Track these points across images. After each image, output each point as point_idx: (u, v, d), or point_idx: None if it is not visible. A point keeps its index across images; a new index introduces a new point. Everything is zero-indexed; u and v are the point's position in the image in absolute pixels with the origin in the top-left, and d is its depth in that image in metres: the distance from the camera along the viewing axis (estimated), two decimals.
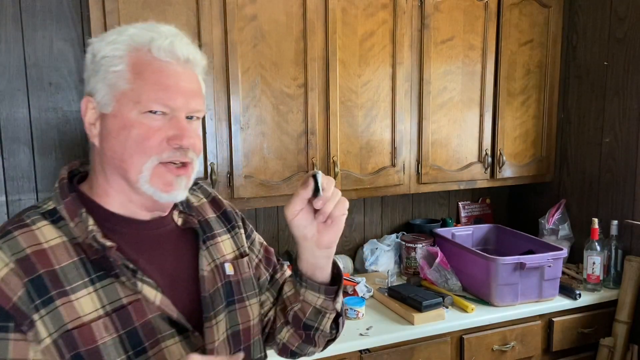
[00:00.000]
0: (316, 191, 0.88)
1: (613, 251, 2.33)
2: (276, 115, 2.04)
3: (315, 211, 0.91)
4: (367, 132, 2.22)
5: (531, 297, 2.19)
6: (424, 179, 2.36)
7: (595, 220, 2.32)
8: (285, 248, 2.49)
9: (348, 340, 1.90)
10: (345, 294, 2.21)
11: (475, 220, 2.88)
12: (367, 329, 1.97)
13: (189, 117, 0.88)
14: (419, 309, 2.02)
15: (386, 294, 2.20)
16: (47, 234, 0.83)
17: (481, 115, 2.44)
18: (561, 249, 2.22)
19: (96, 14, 1.76)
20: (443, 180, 2.42)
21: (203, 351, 0.88)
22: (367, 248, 2.57)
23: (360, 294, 2.20)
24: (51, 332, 0.78)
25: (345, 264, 2.49)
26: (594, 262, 2.30)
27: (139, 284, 0.84)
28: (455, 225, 2.76)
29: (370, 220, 2.69)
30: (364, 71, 2.17)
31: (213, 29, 1.90)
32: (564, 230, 2.59)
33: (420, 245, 2.45)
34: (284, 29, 2.01)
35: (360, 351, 1.91)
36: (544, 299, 2.21)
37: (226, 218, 1.06)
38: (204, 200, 1.06)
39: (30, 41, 1.97)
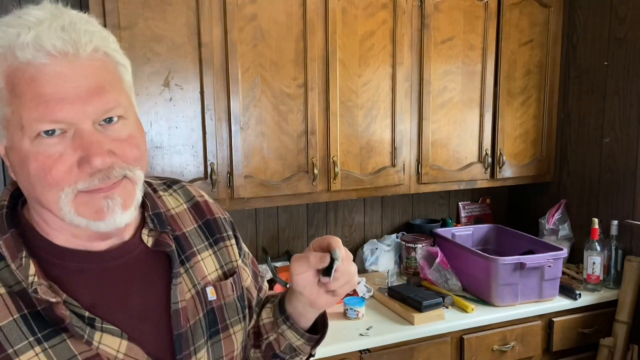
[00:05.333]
0: (328, 271, 0.80)
1: (613, 251, 2.33)
2: (276, 115, 2.04)
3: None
4: (367, 132, 2.22)
5: (531, 297, 2.19)
6: (424, 179, 2.36)
7: (596, 220, 2.31)
8: (285, 248, 2.48)
9: (348, 340, 1.90)
10: (346, 294, 2.21)
11: (475, 220, 2.88)
12: (367, 329, 1.96)
13: (107, 121, 0.67)
14: (419, 309, 2.02)
15: (386, 294, 2.20)
16: None
17: (481, 115, 2.44)
18: (561, 249, 2.22)
19: (96, 13, 1.75)
20: (443, 180, 2.42)
21: None
22: (367, 248, 2.57)
23: (360, 294, 2.20)
24: None
25: None
26: (594, 262, 2.29)
27: (97, 335, 0.69)
28: (455, 226, 2.76)
29: (370, 220, 2.69)
30: (364, 71, 2.17)
31: (213, 29, 1.90)
32: (564, 230, 2.59)
33: (420, 246, 2.45)
34: (284, 29, 2.01)
35: (360, 351, 1.91)
36: (544, 299, 2.21)
37: (209, 229, 0.89)
38: (184, 206, 0.89)
39: None
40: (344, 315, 2.06)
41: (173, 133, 1.91)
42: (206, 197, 0.94)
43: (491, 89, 2.44)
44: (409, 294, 2.10)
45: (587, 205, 2.56)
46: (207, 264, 0.86)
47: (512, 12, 2.41)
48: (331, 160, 2.15)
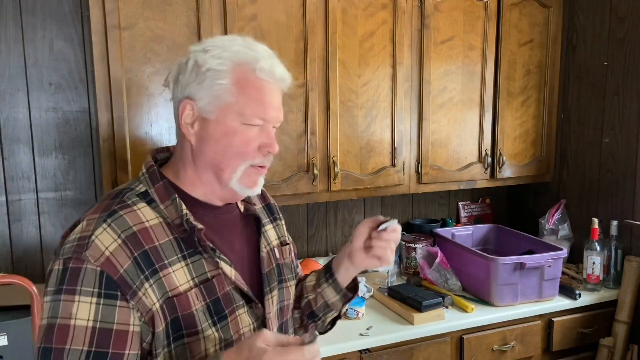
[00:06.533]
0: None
1: (613, 251, 2.33)
2: None
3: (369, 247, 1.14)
4: (367, 132, 2.22)
5: (531, 297, 2.19)
6: (424, 179, 2.36)
7: (595, 220, 2.32)
8: None
9: (348, 340, 1.90)
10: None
11: (475, 220, 2.88)
12: (367, 329, 1.97)
13: (274, 127, 1.03)
14: (419, 309, 2.02)
15: (386, 294, 2.20)
16: (147, 215, 0.96)
17: (481, 115, 2.44)
18: (561, 249, 2.22)
19: (96, 13, 1.76)
20: (443, 180, 2.42)
21: (264, 320, 1.05)
22: None
23: (360, 294, 2.20)
24: (159, 298, 0.91)
25: None
26: (594, 262, 2.30)
27: (218, 261, 0.98)
28: (455, 225, 2.76)
29: None
30: (364, 71, 2.17)
31: (213, 29, 1.90)
32: (564, 230, 2.59)
33: (420, 245, 2.45)
34: (284, 29, 2.01)
35: (360, 351, 1.91)
36: (544, 299, 2.21)
37: (269, 210, 1.23)
38: None
39: (31, 41, 1.97)
40: (344, 315, 2.06)
41: (173, 133, 1.90)
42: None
43: (491, 89, 2.44)
44: (409, 294, 2.10)
45: (587, 205, 2.56)
46: (271, 234, 1.18)
47: (512, 12, 2.42)
48: (331, 160, 2.15)
